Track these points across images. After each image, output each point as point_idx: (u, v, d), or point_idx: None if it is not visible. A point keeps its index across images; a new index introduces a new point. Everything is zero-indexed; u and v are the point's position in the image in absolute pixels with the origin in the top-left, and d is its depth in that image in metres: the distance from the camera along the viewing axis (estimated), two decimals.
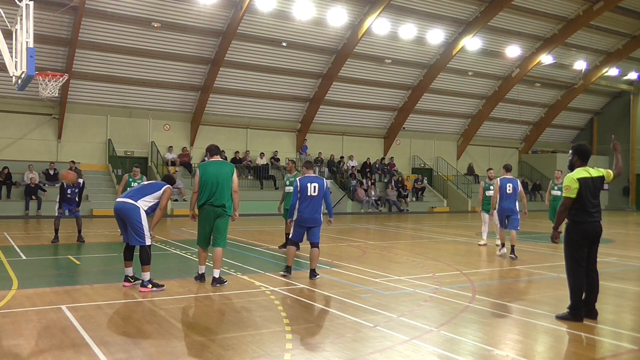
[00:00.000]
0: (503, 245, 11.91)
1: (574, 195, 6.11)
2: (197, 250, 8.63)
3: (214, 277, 7.83)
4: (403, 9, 25.05)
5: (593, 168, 6.31)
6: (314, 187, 8.42)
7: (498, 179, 12.06)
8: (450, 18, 26.49)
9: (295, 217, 8.53)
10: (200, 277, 8.06)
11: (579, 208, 6.16)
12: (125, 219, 7.37)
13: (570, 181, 6.16)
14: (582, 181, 6.11)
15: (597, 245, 6.33)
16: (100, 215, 20.46)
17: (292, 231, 8.70)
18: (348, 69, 26.60)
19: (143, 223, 7.36)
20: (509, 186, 11.71)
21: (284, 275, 8.58)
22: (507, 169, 12.29)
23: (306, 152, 28.36)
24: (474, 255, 12.04)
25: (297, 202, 8.47)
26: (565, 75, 33.19)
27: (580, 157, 6.29)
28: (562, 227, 6.49)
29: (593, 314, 6.20)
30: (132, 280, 7.63)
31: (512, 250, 11.35)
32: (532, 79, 32.04)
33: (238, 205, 7.99)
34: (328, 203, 8.63)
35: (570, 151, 6.45)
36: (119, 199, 7.61)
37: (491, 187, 13.40)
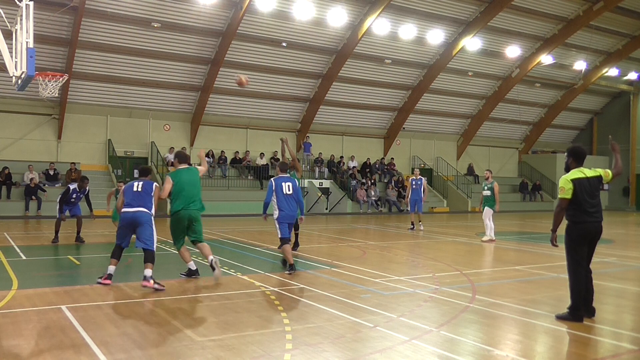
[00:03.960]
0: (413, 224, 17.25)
1: (568, 196, 6.14)
2: (196, 250, 8.73)
3: (214, 262, 8.08)
4: (403, 9, 25.06)
5: (590, 169, 6.32)
6: (288, 186, 9.12)
7: (411, 179, 17.49)
8: (450, 18, 26.49)
9: (276, 215, 9.10)
10: (195, 273, 8.40)
11: (576, 208, 6.18)
12: (141, 226, 7.71)
13: (564, 182, 6.19)
14: (576, 182, 6.14)
15: (595, 246, 6.37)
16: (100, 215, 20.41)
17: (279, 230, 9.12)
18: (348, 69, 26.60)
19: (154, 229, 7.80)
20: (416, 183, 17.34)
21: (289, 274, 8.75)
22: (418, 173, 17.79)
23: (310, 149, 28.27)
24: (474, 255, 12.04)
25: (275, 201, 9.09)
26: (565, 75, 33.19)
27: (576, 159, 6.31)
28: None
29: (591, 312, 6.25)
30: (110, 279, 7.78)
31: (420, 226, 17.30)
32: (532, 79, 32.05)
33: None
34: (300, 201, 9.28)
35: (566, 153, 6.46)
36: (132, 209, 7.77)
37: (486, 187, 14.22)
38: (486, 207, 14.53)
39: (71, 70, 21.22)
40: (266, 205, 9.22)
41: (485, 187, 14.67)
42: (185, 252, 8.37)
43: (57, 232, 12.53)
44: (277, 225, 9.13)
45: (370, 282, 8.24)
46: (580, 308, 6.17)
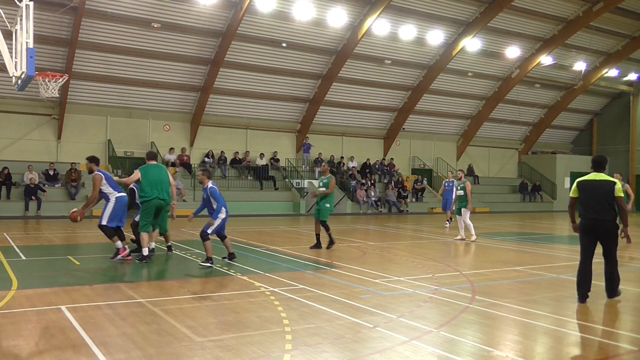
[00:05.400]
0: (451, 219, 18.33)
1: (574, 195, 7.22)
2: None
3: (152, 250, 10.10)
4: (403, 10, 25.06)
5: (608, 175, 7.09)
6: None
7: (444, 181, 17.88)
8: (450, 19, 26.50)
9: (224, 215, 9.67)
10: (152, 251, 10.08)
11: (580, 205, 7.15)
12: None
13: (574, 184, 7.25)
14: (580, 183, 7.15)
15: (607, 242, 7.02)
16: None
17: (216, 228, 9.69)
18: (348, 69, 26.60)
19: None
20: (448, 185, 18.90)
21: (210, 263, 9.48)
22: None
23: (310, 150, 28.30)
24: (473, 256, 12.05)
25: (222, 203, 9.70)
26: (565, 76, 33.21)
27: (593, 166, 7.23)
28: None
29: (583, 298, 7.06)
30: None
31: (447, 223, 18.92)
32: (532, 79, 32.05)
33: (175, 195, 10.47)
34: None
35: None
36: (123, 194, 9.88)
37: (459, 187, 15.01)
38: (462, 208, 14.69)
39: (71, 70, 21.21)
40: (220, 209, 9.60)
41: (459, 187, 14.99)
42: (146, 237, 9.84)
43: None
44: (218, 225, 9.61)
45: (370, 283, 8.24)
46: (579, 288, 7.05)
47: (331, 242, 12.17)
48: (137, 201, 10.61)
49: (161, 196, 9.88)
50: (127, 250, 9.73)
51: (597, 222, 6.96)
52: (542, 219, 25.23)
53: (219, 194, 9.69)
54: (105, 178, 9.65)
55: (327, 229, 12.08)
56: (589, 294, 7.10)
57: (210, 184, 9.71)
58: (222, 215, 9.68)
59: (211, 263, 9.39)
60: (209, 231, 9.55)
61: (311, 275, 8.91)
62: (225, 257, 10.18)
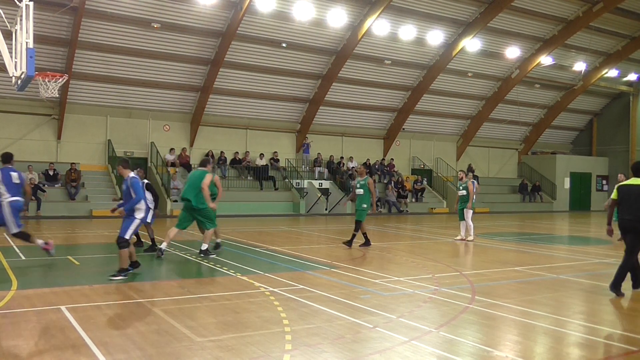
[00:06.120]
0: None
1: (614, 197, 7.86)
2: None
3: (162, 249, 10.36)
4: (403, 10, 25.06)
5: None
6: None
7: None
8: (450, 19, 26.51)
9: (142, 215, 8.45)
10: (161, 252, 10.37)
11: (618, 207, 7.76)
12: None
13: (615, 187, 7.96)
14: (620, 187, 7.81)
15: (633, 241, 7.59)
16: (100, 215, 20.45)
17: (133, 230, 8.43)
18: (348, 69, 26.60)
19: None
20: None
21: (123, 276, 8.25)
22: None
23: (309, 150, 28.32)
24: (473, 256, 12.05)
25: (144, 201, 8.51)
26: (565, 76, 33.21)
27: (633, 172, 7.84)
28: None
29: (613, 289, 7.60)
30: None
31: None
32: (532, 80, 32.06)
33: (207, 198, 10.29)
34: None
35: None
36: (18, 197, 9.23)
37: (461, 187, 14.98)
38: (464, 208, 14.72)
39: (71, 70, 21.20)
40: (138, 202, 8.35)
41: (461, 187, 15.01)
42: (172, 233, 10.53)
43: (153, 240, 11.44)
44: (136, 226, 8.42)
45: (370, 283, 8.24)
46: (615, 284, 7.62)
47: (350, 242, 12.52)
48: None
49: (183, 196, 10.62)
50: (51, 242, 9.63)
51: (630, 222, 7.55)
52: (542, 219, 25.23)
53: (140, 187, 8.42)
54: (2, 179, 8.83)
55: (356, 229, 12.53)
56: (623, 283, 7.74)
57: (131, 174, 8.53)
58: (141, 214, 8.43)
59: (124, 275, 8.21)
60: (127, 236, 8.28)
61: (311, 275, 8.92)
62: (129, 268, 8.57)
